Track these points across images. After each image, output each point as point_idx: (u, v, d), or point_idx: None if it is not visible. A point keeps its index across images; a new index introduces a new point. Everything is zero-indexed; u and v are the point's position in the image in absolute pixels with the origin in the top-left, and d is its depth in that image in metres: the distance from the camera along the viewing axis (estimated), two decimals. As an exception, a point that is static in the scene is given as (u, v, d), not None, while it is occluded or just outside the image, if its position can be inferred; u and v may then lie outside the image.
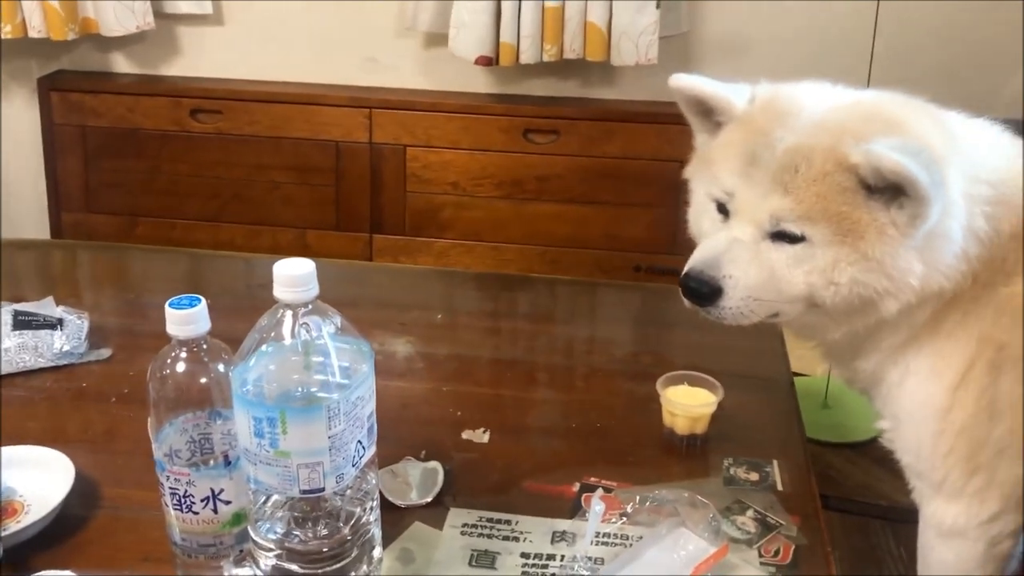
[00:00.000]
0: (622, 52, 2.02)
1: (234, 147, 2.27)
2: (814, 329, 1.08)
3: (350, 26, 2.28)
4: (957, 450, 1.03)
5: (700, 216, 1.07)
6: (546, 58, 2.05)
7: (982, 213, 0.97)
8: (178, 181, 2.31)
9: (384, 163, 2.24)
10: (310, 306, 0.83)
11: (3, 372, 1.30)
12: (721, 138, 1.05)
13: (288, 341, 0.83)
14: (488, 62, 2.07)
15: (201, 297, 0.86)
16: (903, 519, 1.54)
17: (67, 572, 0.96)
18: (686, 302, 1.02)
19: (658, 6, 1.97)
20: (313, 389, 0.82)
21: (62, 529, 1.03)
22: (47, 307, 1.40)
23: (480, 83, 2.27)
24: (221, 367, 0.87)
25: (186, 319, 0.85)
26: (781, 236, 0.97)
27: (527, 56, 2.04)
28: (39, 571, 0.96)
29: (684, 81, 1.07)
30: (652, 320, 1.61)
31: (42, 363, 1.33)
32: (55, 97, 2.29)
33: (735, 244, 0.98)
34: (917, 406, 1.05)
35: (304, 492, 0.84)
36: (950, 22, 2.10)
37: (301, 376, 0.83)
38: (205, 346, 0.87)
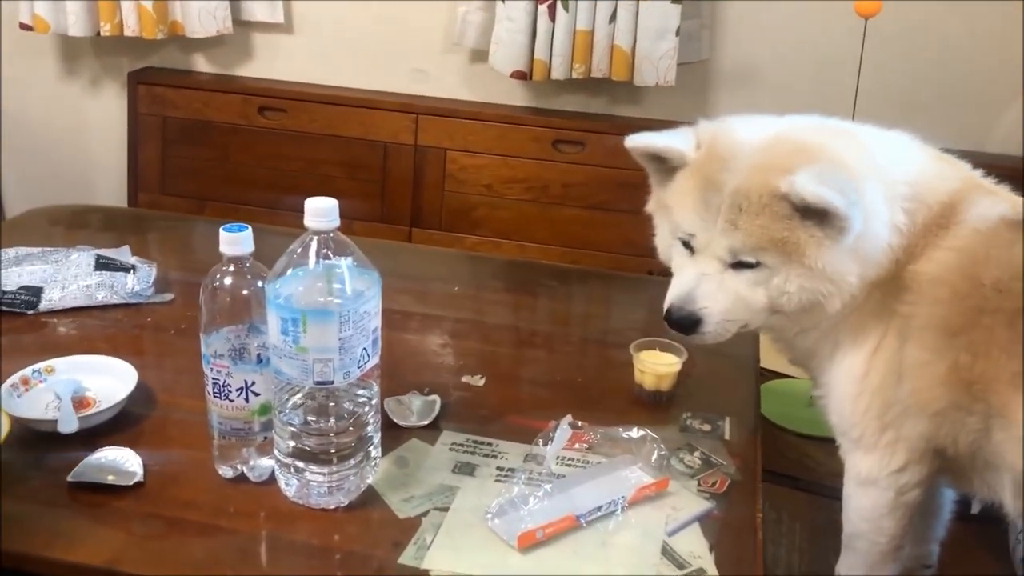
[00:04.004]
0: (644, 73, 2.22)
1: (294, 142, 2.52)
2: (776, 329, 1.26)
3: (403, 40, 2.51)
4: (871, 409, 1.19)
5: (668, 249, 1.25)
6: (575, 75, 2.27)
7: (902, 209, 1.14)
8: (243, 170, 2.56)
9: (426, 164, 2.47)
10: (332, 235, 1.05)
11: (84, 304, 1.55)
12: (676, 185, 1.19)
13: (313, 261, 1.04)
14: (522, 76, 2.29)
15: (248, 225, 1.09)
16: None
17: (127, 449, 1.19)
18: (671, 331, 1.20)
19: (677, 34, 2.17)
20: (330, 299, 1.04)
21: (124, 422, 1.26)
22: (123, 254, 1.64)
23: (517, 96, 2.48)
24: (260, 283, 1.09)
25: (236, 240, 1.07)
26: (740, 265, 1.13)
27: (558, 72, 2.25)
28: (105, 447, 1.20)
29: (637, 141, 1.21)
30: (645, 305, 1.79)
31: (116, 300, 1.57)
32: (142, 90, 2.57)
33: (704, 279, 1.15)
34: (842, 373, 1.21)
35: (317, 383, 1.05)
36: (948, 52, 2.24)
37: (321, 289, 1.05)
38: (248, 265, 1.09)
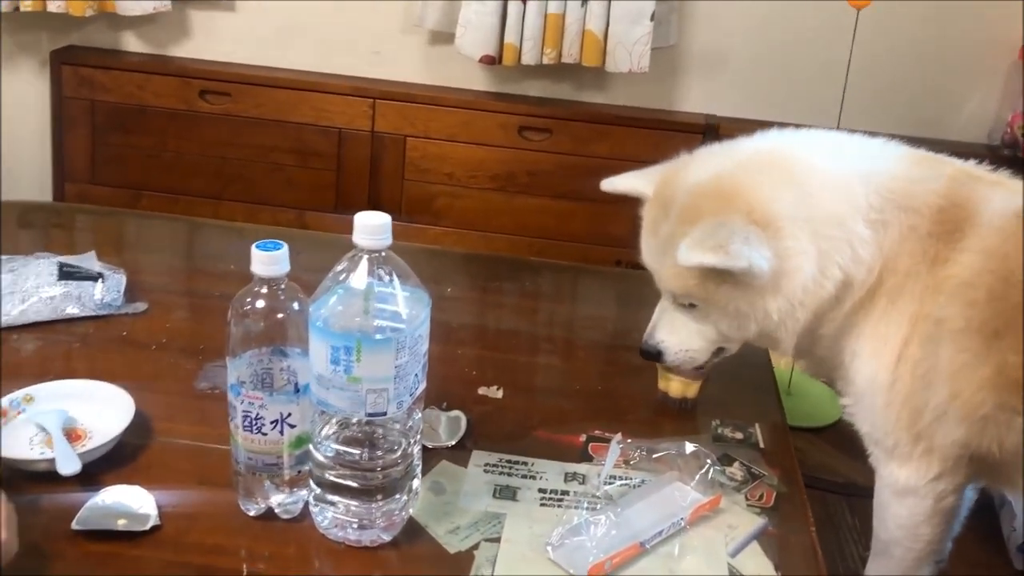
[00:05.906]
0: (617, 60, 2.16)
1: (240, 128, 2.36)
2: (774, 349, 1.29)
3: (358, 20, 2.38)
4: (902, 419, 1.17)
5: None
6: (546, 61, 2.19)
7: (867, 221, 1.14)
8: (183, 158, 2.39)
9: (384, 151, 2.35)
10: (384, 253, 0.95)
11: (48, 319, 1.40)
12: (643, 223, 1.24)
13: (364, 282, 0.95)
14: (492, 61, 2.20)
15: (283, 242, 0.98)
16: (857, 494, 1.71)
17: (136, 486, 1.07)
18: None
19: (652, 19, 2.13)
20: (385, 323, 0.95)
21: (122, 455, 1.13)
22: (89, 261, 1.49)
23: (479, 81, 2.39)
24: (296, 306, 0.99)
25: (270, 259, 0.96)
26: (683, 304, 1.19)
27: (528, 58, 2.17)
28: (108, 486, 1.07)
29: (607, 185, 1.30)
30: (639, 302, 1.74)
31: (84, 312, 1.42)
32: (66, 71, 2.36)
33: (663, 314, 1.24)
34: (867, 383, 1.19)
35: (370, 414, 0.96)
36: (925, 36, 2.26)
37: (373, 312, 0.95)
38: (283, 286, 0.99)
